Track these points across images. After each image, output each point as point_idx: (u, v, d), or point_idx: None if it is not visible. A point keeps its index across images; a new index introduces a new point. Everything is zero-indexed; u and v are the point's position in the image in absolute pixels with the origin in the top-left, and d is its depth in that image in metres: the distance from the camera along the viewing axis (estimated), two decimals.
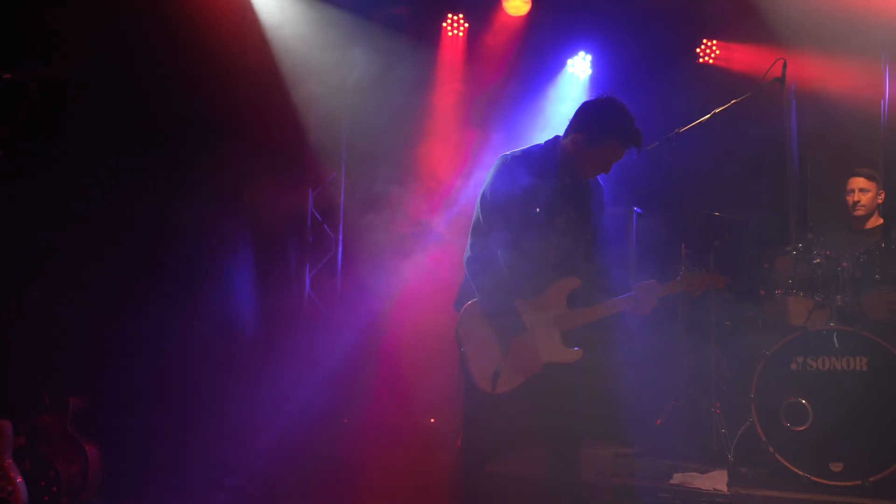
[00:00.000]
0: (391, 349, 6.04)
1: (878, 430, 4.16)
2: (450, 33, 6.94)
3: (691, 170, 5.30)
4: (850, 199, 5.22)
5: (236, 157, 5.83)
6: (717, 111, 4.92)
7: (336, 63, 6.44)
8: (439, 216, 6.15)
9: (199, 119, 5.85)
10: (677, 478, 4.36)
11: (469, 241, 3.39)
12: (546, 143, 3.47)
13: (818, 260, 4.63)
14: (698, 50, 6.95)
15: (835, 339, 4.36)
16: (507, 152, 3.43)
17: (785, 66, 4.76)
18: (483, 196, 3.38)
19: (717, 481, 4.27)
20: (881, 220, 5.22)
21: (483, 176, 3.49)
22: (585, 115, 3.36)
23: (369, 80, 6.48)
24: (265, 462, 5.06)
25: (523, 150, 3.45)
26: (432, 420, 4.86)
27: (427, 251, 6.03)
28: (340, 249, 6.67)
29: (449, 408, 5.00)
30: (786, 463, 4.28)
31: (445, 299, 5.76)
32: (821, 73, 6.23)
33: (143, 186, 5.56)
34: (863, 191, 5.17)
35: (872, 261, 4.58)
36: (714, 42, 6.91)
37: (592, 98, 3.41)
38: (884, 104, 5.90)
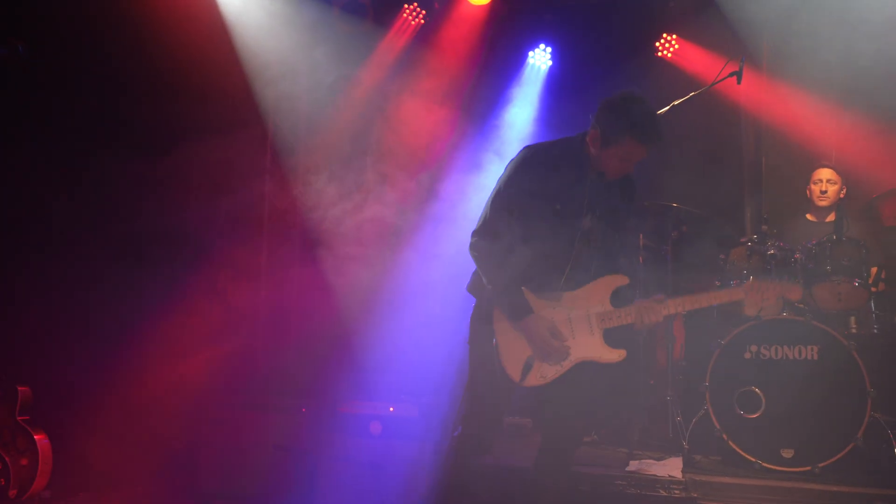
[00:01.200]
0: (351, 340, 6.00)
1: (828, 417, 4.25)
2: (412, 22, 6.91)
3: (650, 161, 5.36)
4: (816, 188, 5.34)
5: (191, 145, 5.74)
6: (676, 103, 4.98)
7: (296, 51, 6.37)
8: (404, 209, 6.12)
9: (154, 105, 5.74)
10: (634, 465, 4.40)
11: (476, 227, 3.32)
12: (573, 137, 3.36)
13: (772, 251, 4.71)
14: (657, 44, 7.03)
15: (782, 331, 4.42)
16: (531, 144, 3.36)
17: (743, 60, 4.85)
18: (499, 187, 3.31)
19: (672, 468, 4.33)
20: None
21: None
22: (602, 112, 3.25)
23: (330, 71, 6.43)
24: (221, 453, 4.99)
25: (547, 144, 3.37)
26: (391, 409, 4.84)
27: (389, 243, 5.99)
28: (299, 241, 6.58)
29: (408, 397, 4.99)
30: (738, 450, 4.35)
31: (405, 291, 5.81)
32: (777, 70, 6.37)
33: (92, 173, 5.45)
34: (830, 182, 5.31)
35: (824, 252, 4.68)
36: (673, 37, 6.98)
37: (613, 94, 3.28)
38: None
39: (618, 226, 3.37)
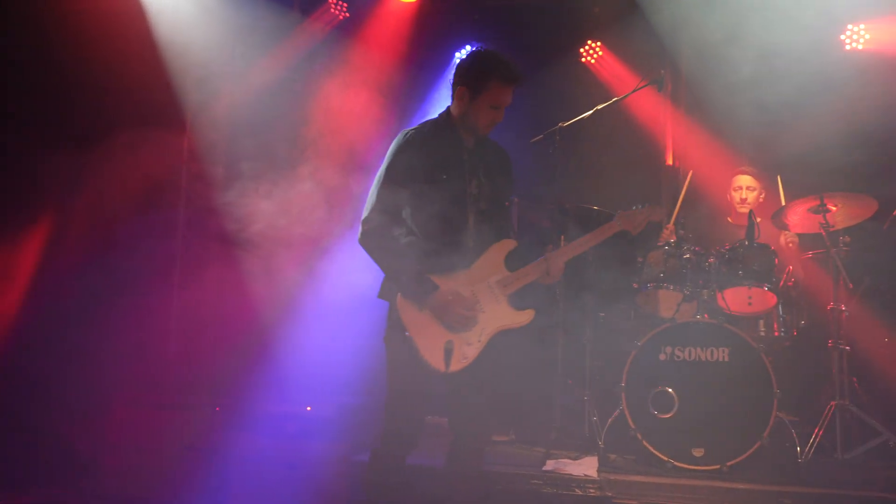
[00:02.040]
0: (267, 335, 5.87)
1: (737, 417, 4.36)
2: (339, 16, 6.84)
3: (572, 164, 5.44)
4: (736, 195, 5.55)
5: (105, 130, 5.53)
6: (599, 108, 5.07)
7: (218, 42, 6.22)
8: (328, 207, 6.01)
9: (69, 98, 5.51)
10: (550, 464, 4.44)
11: (364, 216, 3.31)
12: (440, 114, 3.48)
13: (688, 255, 4.84)
14: (582, 49, 7.15)
15: (695, 333, 4.53)
16: (405, 129, 3.42)
17: (664, 70, 5.00)
18: (383, 172, 3.33)
19: (588, 467, 4.38)
20: (760, 219, 5.53)
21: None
22: (463, 69, 3.39)
23: (252, 64, 6.30)
24: (128, 454, 4.81)
25: (420, 124, 3.45)
26: (308, 408, 4.75)
27: (310, 242, 5.88)
28: (216, 238, 6.38)
29: (325, 396, 4.91)
30: (652, 449, 4.44)
31: (326, 291, 5.71)
32: (698, 75, 6.54)
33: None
34: (750, 189, 5.51)
35: (736, 257, 4.82)
36: (598, 43, 7.12)
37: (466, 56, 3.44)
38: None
39: (500, 192, 3.48)
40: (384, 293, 3.39)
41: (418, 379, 3.28)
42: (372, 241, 3.28)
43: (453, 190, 3.31)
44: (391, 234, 3.28)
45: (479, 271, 3.33)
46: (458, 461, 3.46)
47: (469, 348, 3.24)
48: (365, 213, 3.31)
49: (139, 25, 5.87)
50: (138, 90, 5.78)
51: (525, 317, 3.33)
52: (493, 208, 3.42)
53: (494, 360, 3.36)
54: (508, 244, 3.39)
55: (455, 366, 3.22)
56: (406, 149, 3.32)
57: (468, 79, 3.35)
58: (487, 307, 3.30)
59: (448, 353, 3.21)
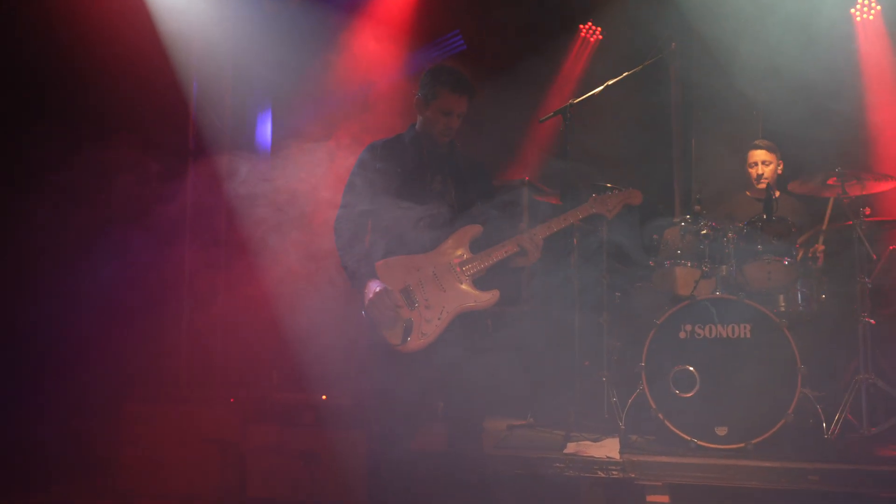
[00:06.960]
0: (279, 324, 5.81)
1: (760, 394, 4.28)
2: None
3: (584, 142, 5.35)
4: (753, 171, 5.48)
5: (107, 120, 5.45)
6: (609, 83, 4.98)
7: (220, 31, 6.13)
8: (331, 189, 5.92)
9: (61, 84, 5.42)
10: (571, 447, 4.38)
11: (337, 215, 3.54)
12: (409, 126, 3.70)
13: (705, 231, 4.75)
14: (582, 30, 7.11)
15: (715, 309, 4.47)
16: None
17: (673, 44, 4.90)
18: (349, 178, 3.56)
19: (609, 449, 4.32)
20: (777, 193, 5.45)
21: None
22: (420, 83, 3.61)
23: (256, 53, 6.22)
24: (144, 449, 4.76)
25: (390, 137, 3.67)
26: (324, 397, 4.69)
27: (321, 230, 5.80)
28: (225, 219, 6.32)
29: (342, 384, 4.85)
30: (674, 429, 4.37)
31: (338, 276, 5.64)
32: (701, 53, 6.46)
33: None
34: (765, 163, 5.43)
35: (755, 232, 4.73)
36: (598, 28, 7.09)
37: None
38: None
39: (468, 193, 3.59)
40: None
41: (386, 356, 3.35)
42: (339, 239, 3.49)
43: (414, 187, 3.48)
44: (351, 229, 3.47)
45: (441, 253, 3.43)
46: (455, 445, 3.50)
47: (428, 325, 3.32)
48: (339, 211, 3.53)
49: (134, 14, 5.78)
50: (142, 85, 5.71)
51: (487, 297, 3.39)
52: (459, 206, 3.54)
53: (481, 341, 3.47)
54: (473, 229, 3.48)
55: (414, 343, 3.30)
56: (370, 153, 3.55)
57: (422, 88, 3.56)
58: (449, 288, 3.38)
59: (407, 331, 3.29)
